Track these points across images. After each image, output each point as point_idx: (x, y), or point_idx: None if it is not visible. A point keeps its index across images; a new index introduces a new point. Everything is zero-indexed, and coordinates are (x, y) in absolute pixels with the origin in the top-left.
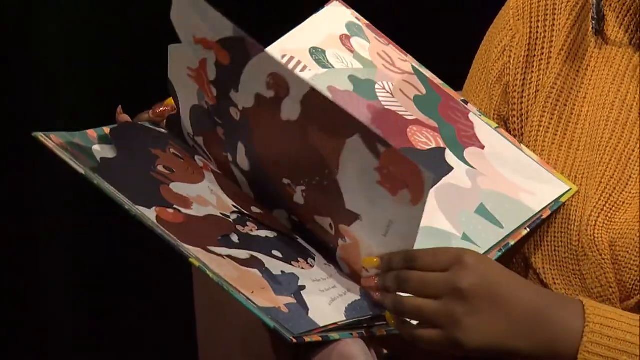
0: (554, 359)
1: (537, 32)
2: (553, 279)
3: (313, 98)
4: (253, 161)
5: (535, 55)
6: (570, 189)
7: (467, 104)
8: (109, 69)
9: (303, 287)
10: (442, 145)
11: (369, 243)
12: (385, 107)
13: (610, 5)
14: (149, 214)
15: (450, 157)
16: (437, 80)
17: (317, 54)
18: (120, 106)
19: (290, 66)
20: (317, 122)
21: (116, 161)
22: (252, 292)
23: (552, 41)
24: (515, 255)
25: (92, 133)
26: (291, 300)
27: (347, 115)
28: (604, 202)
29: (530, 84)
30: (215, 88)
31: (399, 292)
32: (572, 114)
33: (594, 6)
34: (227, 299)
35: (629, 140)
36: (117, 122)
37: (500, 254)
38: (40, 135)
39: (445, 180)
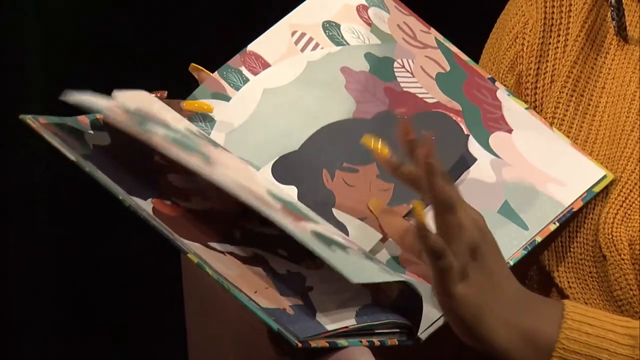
0: (529, 355)
1: (552, 17)
2: (568, 282)
3: None
4: None
5: (550, 43)
6: (606, 175)
7: (494, 82)
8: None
9: (310, 288)
10: (465, 131)
11: None
12: (404, 89)
13: None
14: (145, 206)
15: (473, 145)
16: (463, 56)
17: (331, 28)
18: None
19: (301, 44)
20: None
21: (110, 148)
22: (255, 291)
23: (568, 28)
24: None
25: (83, 119)
26: (297, 301)
27: None
28: (623, 199)
29: (544, 73)
30: None
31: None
32: (589, 105)
33: (614, 9)
34: (217, 296)
35: None
36: None
37: (525, 252)
38: (28, 118)
39: (466, 175)
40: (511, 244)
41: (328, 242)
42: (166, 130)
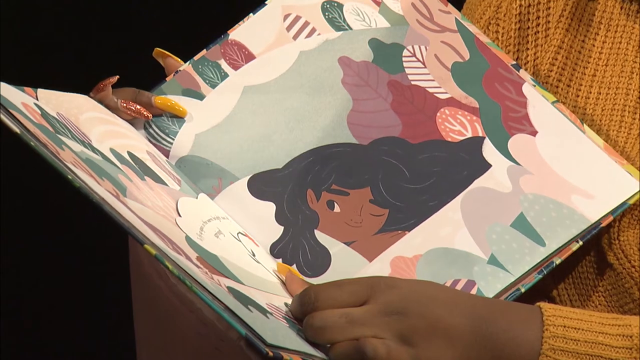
0: None
1: None
2: (570, 300)
3: None
4: None
5: (529, 28)
6: None
7: (519, 70)
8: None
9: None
10: (480, 133)
11: None
12: (413, 82)
13: None
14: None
15: (489, 149)
16: (485, 38)
17: (332, 9)
18: None
19: (294, 30)
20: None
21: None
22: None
23: (549, 7)
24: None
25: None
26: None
27: None
28: None
29: (525, 64)
30: None
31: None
32: (578, 95)
33: None
34: (165, 300)
35: None
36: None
37: (540, 276)
38: None
39: (478, 183)
40: (523, 260)
41: (245, 301)
42: (83, 148)
